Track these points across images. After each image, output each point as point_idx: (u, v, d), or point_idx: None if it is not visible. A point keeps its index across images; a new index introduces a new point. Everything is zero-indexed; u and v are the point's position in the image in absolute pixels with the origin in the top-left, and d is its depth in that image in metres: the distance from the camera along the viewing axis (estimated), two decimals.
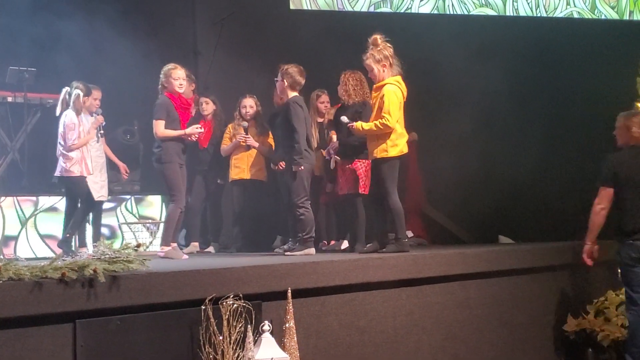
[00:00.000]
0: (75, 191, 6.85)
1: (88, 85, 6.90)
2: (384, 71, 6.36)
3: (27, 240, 7.83)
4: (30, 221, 7.87)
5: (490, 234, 8.94)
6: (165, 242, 6.55)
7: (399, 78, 6.41)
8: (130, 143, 8.97)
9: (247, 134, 7.67)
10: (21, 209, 7.82)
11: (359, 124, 6.47)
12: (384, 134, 6.32)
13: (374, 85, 6.45)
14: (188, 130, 6.62)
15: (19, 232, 7.82)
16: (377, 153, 6.36)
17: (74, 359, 4.08)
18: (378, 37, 6.38)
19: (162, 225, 8.35)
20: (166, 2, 9.44)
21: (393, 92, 6.32)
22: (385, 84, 6.35)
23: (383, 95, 6.30)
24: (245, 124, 7.70)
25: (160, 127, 6.49)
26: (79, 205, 6.89)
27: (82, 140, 6.77)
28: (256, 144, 7.70)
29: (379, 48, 6.36)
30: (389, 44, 6.40)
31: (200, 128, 6.78)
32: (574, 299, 7.04)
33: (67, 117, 6.70)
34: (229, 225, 8.01)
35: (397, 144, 6.36)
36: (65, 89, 6.77)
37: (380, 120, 6.28)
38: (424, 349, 5.91)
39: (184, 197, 6.60)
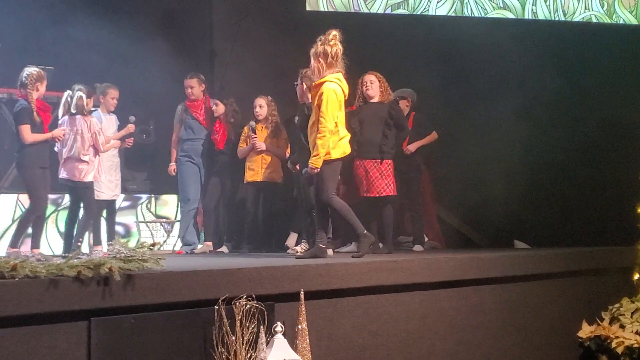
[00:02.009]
0: (83, 196, 6.90)
1: (89, 88, 6.95)
2: (319, 67, 6.09)
3: (46, 238, 7.90)
4: (51, 218, 7.96)
5: (505, 239, 8.91)
6: (12, 244, 6.58)
7: (339, 75, 6.14)
8: (146, 143, 9.04)
9: (254, 133, 7.65)
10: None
11: (317, 163, 6.07)
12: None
13: (313, 83, 6.20)
14: (55, 132, 6.66)
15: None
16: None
17: (88, 356, 4.09)
18: (332, 33, 6.09)
19: (177, 225, 8.45)
20: (183, 3, 9.48)
21: (333, 90, 6.05)
22: (325, 82, 6.07)
23: (322, 93, 6.04)
24: (253, 123, 7.70)
25: (27, 132, 6.49)
26: (83, 211, 6.93)
27: (110, 145, 7.07)
28: (263, 146, 7.65)
29: (324, 43, 6.06)
30: (339, 44, 6.09)
31: (64, 130, 6.72)
32: (589, 305, 6.99)
33: (95, 123, 6.85)
34: (242, 225, 8.03)
35: (339, 146, 6.13)
36: (67, 93, 6.84)
37: (318, 131, 6.04)
38: (436, 354, 5.89)
39: (42, 203, 6.62)
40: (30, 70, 6.63)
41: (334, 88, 6.07)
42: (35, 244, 6.70)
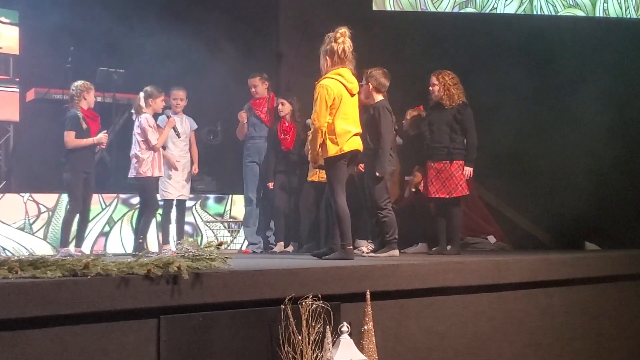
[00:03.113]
0: (143, 191, 7.12)
1: (156, 88, 7.20)
2: (324, 64, 5.93)
3: (120, 236, 8.11)
4: (127, 216, 8.19)
5: (576, 240, 8.73)
6: (62, 243, 7.00)
7: (342, 70, 5.90)
8: (213, 143, 9.16)
9: None
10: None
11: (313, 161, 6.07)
12: (327, 131, 5.90)
13: (316, 82, 6.00)
14: (96, 138, 7.08)
15: (110, 229, 8.13)
16: (322, 152, 5.98)
17: (157, 353, 4.15)
18: (340, 31, 5.89)
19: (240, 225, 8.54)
20: (249, 4, 9.57)
21: (326, 86, 5.83)
22: (323, 78, 5.89)
23: (315, 91, 5.88)
24: (309, 121, 7.70)
25: (70, 138, 6.97)
26: (145, 206, 7.17)
27: (160, 140, 7.16)
28: None
29: (331, 41, 5.89)
30: (347, 41, 5.87)
31: (106, 135, 7.24)
32: None
33: (143, 119, 7.05)
34: (305, 225, 8.07)
35: (337, 142, 5.86)
36: (140, 94, 7.16)
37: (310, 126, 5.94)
38: (505, 356, 5.81)
39: (79, 204, 7.01)
40: (77, 83, 7.10)
41: (326, 84, 5.86)
42: (78, 244, 7.10)
